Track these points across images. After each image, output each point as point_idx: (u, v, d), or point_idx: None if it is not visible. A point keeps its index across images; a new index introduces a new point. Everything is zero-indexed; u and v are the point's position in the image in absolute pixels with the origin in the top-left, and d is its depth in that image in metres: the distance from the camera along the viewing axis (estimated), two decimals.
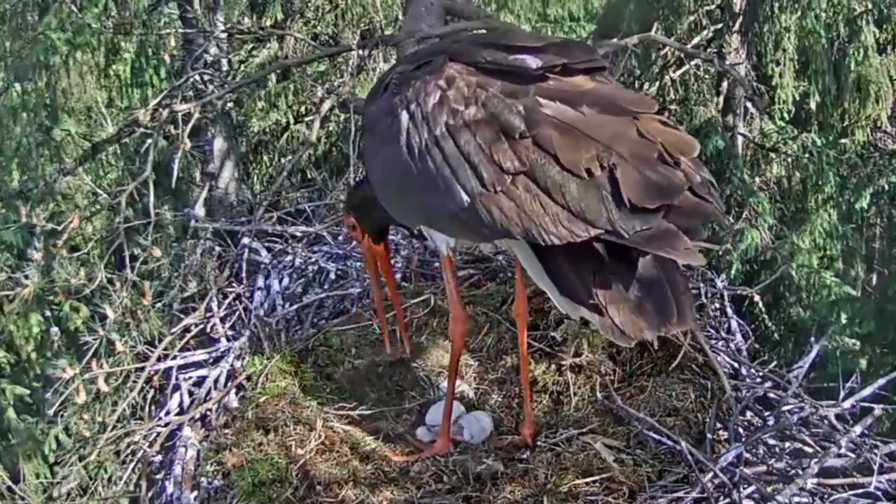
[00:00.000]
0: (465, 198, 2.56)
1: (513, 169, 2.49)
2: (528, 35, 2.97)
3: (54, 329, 6.13)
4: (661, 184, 2.36)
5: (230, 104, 7.06)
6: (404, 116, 2.74)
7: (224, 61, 7.11)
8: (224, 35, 7.01)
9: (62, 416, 4.09)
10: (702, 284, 3.93)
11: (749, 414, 3.33)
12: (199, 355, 4.06)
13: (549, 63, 2.63)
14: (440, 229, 2.91)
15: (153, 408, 3.99)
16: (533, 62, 2.63)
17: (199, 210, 5.88)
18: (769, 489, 2.95)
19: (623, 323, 2.40)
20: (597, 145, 2.42)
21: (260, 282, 4.36)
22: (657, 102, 2.59)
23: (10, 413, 6.51)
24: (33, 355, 6.79)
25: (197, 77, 6.14)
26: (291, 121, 8.45)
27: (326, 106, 4.98)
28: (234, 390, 3.77)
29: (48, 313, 5.91)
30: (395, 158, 2.76)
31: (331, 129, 8.38)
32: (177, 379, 3.95)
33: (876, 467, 2.96)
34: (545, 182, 2.44)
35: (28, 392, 6.68)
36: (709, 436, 3.13)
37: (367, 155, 3.06)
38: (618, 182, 2.36)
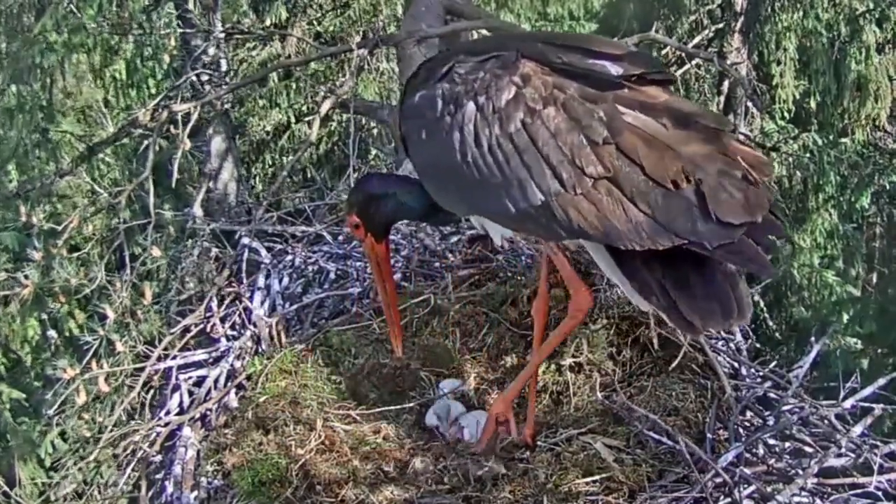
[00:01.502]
0: (540, 196, 2.57)
1: (595, 173, 2.50)
2: (607, 40, 2.98)
3: (51, 332, 6.12)
4: (747, 202, 2.42)
5: (228, 104, 7.04)
6: (470, 107, 2.72)
7: (223, 61, 7.09)
8: (223, 35, 6.99)
9: (60, 418, 4.08)
10: None
11: (749, 414, 3.33)
12: (199, 355, 4.05)
13: (628, 71, 2.64)
14: (500, 222, 2.88)
15: (152, 409, 3.98)
16: (613, 69, 2.64)
17: (198, 210, 5.87)
18: (769, 489, 2.96)
19: (691, 316, 2.46)
20: (683, 159, 2.46)
21: (260, 282, 4.35)
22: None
23: (7, 416, 6.50)
24: (29, 358, 6.79)
25: (195, 77, 6.13)
26: (293, 119, 8.44)
27: (326, 106, 4.96)
28: (234, 390, 3.76)
29: (44, 316, 5.90)
30: (452, 148, 2.75)
31: (332, 128, 8.38)
32: (177, 379, 3.95)
33: (876, 467, 2.97)
34: (630, 189, 2.47)
35: (24, 396, 6.66)
36: (709, 436, 3.13)
37: (414, 141, 3.00)
38: (704, 196, 2.41)
